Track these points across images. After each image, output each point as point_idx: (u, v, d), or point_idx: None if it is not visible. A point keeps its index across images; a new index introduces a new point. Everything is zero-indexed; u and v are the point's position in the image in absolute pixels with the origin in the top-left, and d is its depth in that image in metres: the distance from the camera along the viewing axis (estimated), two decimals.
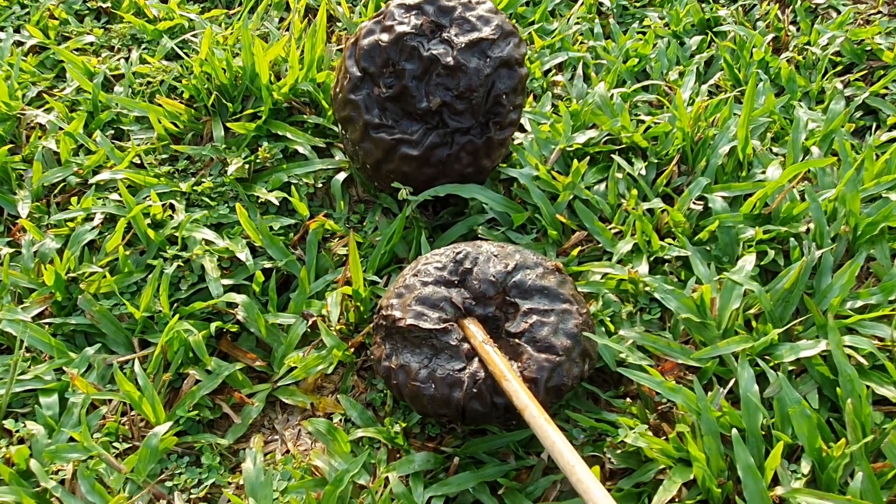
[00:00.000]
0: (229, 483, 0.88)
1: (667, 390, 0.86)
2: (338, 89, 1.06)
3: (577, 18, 1.46)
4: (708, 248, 1.04)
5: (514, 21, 1.46)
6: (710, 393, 0.87)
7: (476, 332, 0.86)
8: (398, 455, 0.89)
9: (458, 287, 0.89)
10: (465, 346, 0.85)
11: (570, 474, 0.71)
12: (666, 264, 1.03)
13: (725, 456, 0.82)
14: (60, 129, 1.22)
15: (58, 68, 1.37)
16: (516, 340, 0.86)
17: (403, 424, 0.90)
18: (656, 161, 1.15)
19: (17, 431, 0.91)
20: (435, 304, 0.87)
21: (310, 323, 0.99)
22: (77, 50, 1.40)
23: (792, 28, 1.46)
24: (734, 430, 0.80)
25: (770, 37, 1.39)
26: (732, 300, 0.94)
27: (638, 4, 1.52)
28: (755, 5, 1.52)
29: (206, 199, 1.13)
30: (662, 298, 0.96)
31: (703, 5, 1.51)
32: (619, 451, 0.86)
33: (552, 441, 0.74)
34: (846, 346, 0.88)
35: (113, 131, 1.25)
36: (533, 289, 0.88)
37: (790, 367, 0.90)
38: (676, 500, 0.81)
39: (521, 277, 0.89)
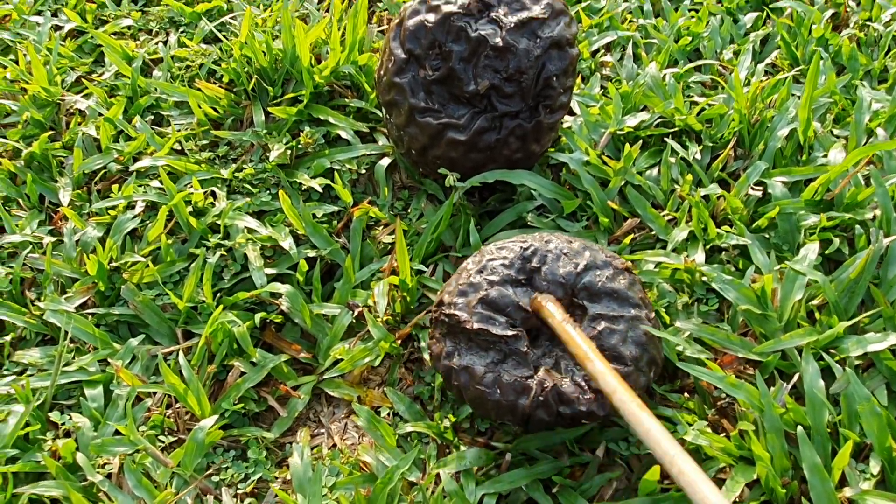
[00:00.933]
0: (276, 478, 0.87)
1: (728, 386, 0.83)
2: (382, 72, 1.03)
3: None
4: (767, 236, 1.00)
5: None
6: (772, 388, 0.84)
7: (554, 311, 0.82)
8: (448, 450, 0.87)
9: (524, 286, 0.85)
10: (534, 353, 0.83)
11: (671, 465, 0.63)
12: (723, 253, 0.99)
13: (790, 455, 0.79)
14: (100, 114, 1.21)
15: (96, 53, 1.35)
16: None
17: (453, 419, 0.87)
18: (711, 145, 1.11)
19: (63, 424, 0.90)
20: (502, 309, 0.84)
21: (355, 314, 0.97)
22: (115, 34, 1.38)
23: (852, 3, 1.39)
24: (799, 428, 0.77)
25: (829, 13, 1.32)
26: (795, 291, 0.90)
27: None
28: None
29: (248, 186, 1.11)
30: (721, 289, 0.92)
31: None
32: None
33: (646, 428, 0.66)
34: None
35: (152, 116, 1.23)
36: (602, 291, 0.84)
37: (857, 362, 0.87)
38: (739, 500, 0.78)
39: (591, 279, 0.85)
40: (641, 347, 0.82)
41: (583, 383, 0.80)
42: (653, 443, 0.65)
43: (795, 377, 0.85)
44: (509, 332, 0.82)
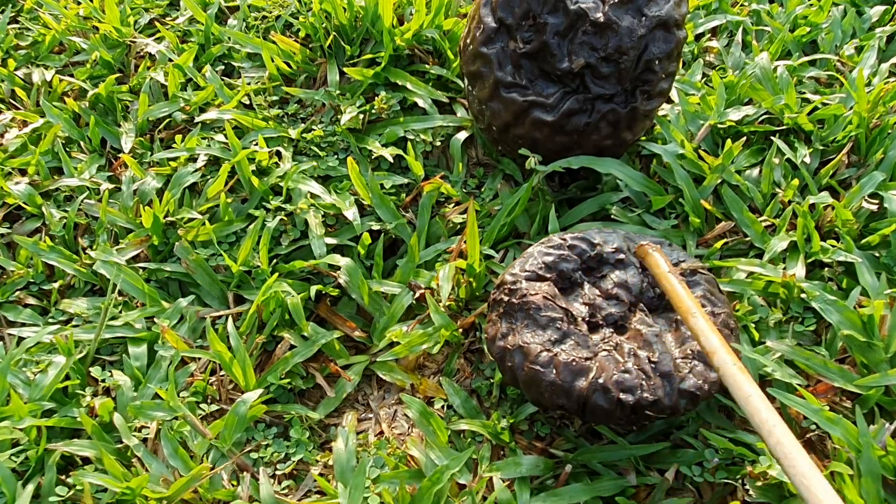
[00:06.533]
0: (317, 461, 0.82)
1: (825, 420, 0.74)
2: (468, 40, 0.96)
3: None
4: (877, 255, 0.90)
5: None
6: (872, 427, 0.75)
7: (660, 261, 0.78)
8: (503, 453, 0.80)
9: (591, 278, 0.82)
10: (595, 336, 0.76)
11: (768, 435, 0.61)
12: (826, 269, 0.89)
13: (885, 502, 0.70)
14: (170, 60, 1.16)
15: None
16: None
17: (511, 420, 0.81)
18: (822, 148, 1.01)
19: (103, 381, 0.86)
20: (569, 286, 0.79)
21: (417, 295, 0.91)
22: None
23: None
24: None
25: None
26: None
27: None
28: None
29: (315, 149, 1.05)
30: (821, 309, 0.83)
31: None
32: (758, 483, 0.75)
33: (746, 394, 0.64)
34: None
35: (223, 66, 1.18)
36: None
37: None
38: None
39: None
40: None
41: (647, 369, 0.73)
42: (752, 410, 0.63)
43: None
44: (573, 307, 0.77)
